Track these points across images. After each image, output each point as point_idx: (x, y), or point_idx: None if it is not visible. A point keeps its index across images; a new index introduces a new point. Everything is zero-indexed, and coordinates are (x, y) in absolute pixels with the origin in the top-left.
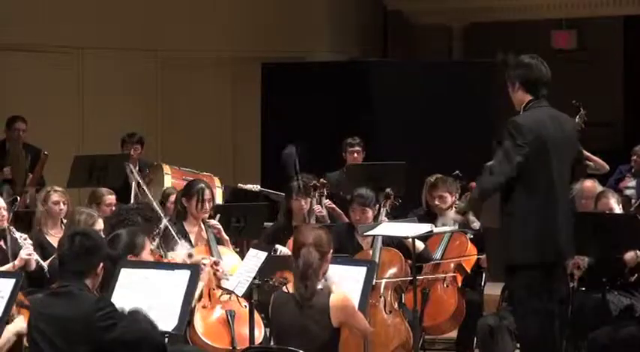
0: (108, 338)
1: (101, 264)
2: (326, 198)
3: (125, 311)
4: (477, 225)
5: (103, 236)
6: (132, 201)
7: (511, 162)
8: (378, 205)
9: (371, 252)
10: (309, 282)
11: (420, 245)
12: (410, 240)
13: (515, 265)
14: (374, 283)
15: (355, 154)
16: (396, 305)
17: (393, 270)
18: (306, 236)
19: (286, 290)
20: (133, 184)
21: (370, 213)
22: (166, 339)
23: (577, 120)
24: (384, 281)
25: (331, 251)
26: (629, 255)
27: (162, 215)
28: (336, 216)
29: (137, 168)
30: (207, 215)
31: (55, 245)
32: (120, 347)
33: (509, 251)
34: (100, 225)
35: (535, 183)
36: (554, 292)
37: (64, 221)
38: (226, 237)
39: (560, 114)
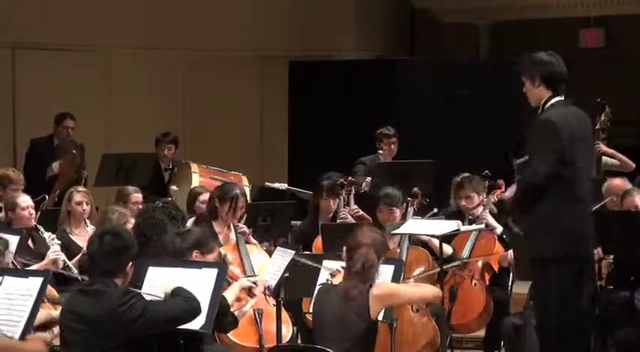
0: (135, 328)
1: (130, 263)
2: (354, 204)
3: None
4: (499, 230)
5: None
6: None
7: (547, 163)
8: (405, 204)
9: (398, 251)
10: (370, 282)
11: (447, 249)
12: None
13: (548, 259)
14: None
15: (392, 146)
16: (423, 304)
17: (420, 269)
18: (366, 237)
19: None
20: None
21: (398, 213)
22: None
23: (602, 117)
24: (412, 279)
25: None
26: None
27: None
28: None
29: (170, 166)
30: (236, 220)
31: (79, 244)
32: (153, 329)
33: (541, 245)
34: (131, 224)
35: (568, 179)
36: (584, 289)
37: (88, 221)
38: (254, 242)
39: (579, 111)
